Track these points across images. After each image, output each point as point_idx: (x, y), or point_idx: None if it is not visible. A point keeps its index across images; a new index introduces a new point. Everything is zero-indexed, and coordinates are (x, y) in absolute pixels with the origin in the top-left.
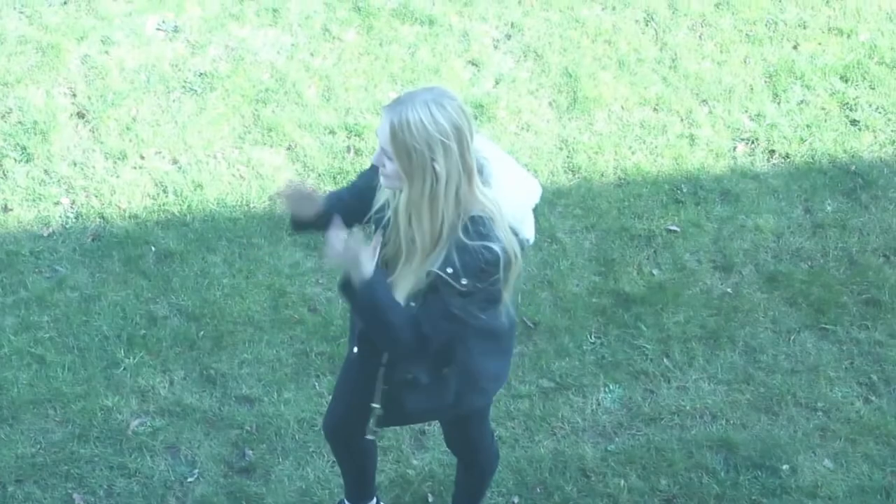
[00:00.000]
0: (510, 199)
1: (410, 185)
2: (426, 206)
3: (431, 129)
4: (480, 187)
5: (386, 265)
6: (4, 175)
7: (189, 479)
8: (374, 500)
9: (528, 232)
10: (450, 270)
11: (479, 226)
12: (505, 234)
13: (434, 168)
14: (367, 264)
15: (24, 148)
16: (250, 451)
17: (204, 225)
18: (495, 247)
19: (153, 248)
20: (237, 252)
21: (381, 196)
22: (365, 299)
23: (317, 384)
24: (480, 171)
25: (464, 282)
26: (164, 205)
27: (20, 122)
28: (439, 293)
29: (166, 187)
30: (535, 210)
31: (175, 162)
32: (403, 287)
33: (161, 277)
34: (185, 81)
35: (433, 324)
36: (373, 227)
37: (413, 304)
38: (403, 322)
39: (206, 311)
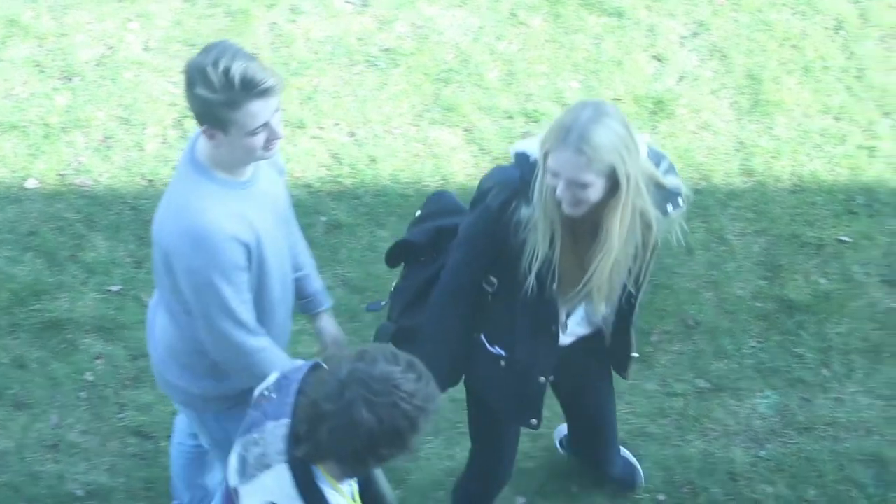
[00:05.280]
0: None
1: (612, 199)
2: (628, 211)
3: (616, 141)
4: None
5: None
6: (184, 136)
7: None
8: None
9: None
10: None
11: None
12: None
13: (623, 175)
14: None
15: None
16: None
17: (375, 199)
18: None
19: (323, 219)
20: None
21: (531, 242)
22: None
23: None
24: None
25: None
26: (337, 176)
27: None
28: None
29: (342, 159)
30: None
31: (352, 135)
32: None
33: (329, 248)
34: (369, 56)
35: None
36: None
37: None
38: None
39: (370, 284)
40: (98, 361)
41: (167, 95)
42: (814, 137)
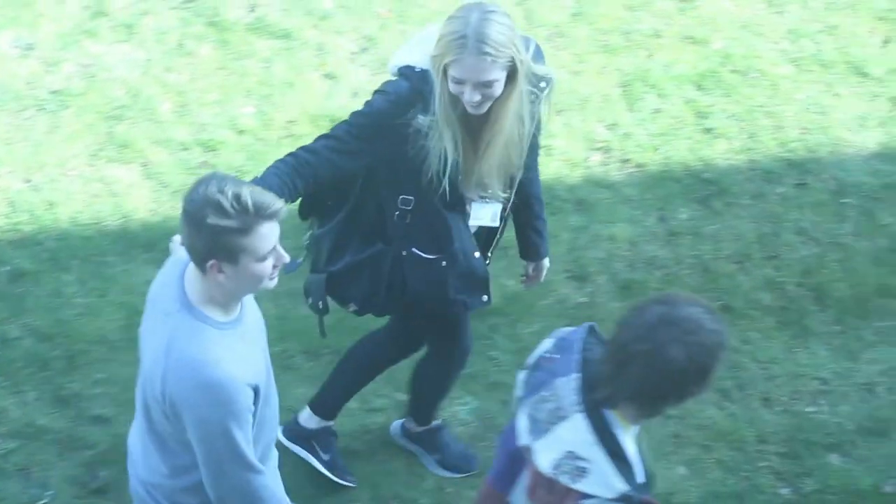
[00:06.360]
0: None
1: (512, 92)
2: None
3: (510, 33)
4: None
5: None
6: None
7: (42, 502)
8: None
9: None
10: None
11: None
12: None
13: (519, 63)
14: None
15: None
16: (104, 472)
17: (57, 244)
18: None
19: (6, 268)
20: (90, 271)
21: (435, 149)
22: None
23: None
24: None
25: None
26: (16, 224)
27: None
28: None
29: (18, 206)
30: None
31: (28, 181)
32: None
33: (14, 298)
34: (38, 99)
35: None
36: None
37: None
38: None
39: (59, 330)
40: None
41: None
42: None
